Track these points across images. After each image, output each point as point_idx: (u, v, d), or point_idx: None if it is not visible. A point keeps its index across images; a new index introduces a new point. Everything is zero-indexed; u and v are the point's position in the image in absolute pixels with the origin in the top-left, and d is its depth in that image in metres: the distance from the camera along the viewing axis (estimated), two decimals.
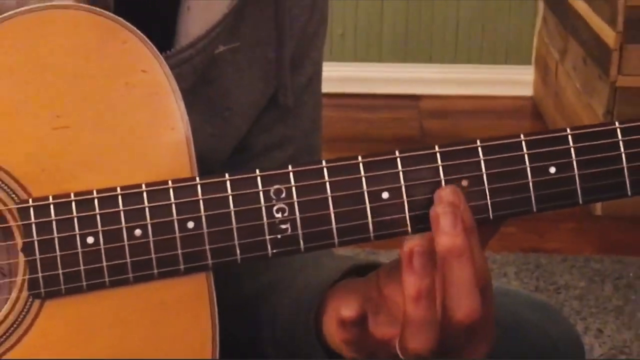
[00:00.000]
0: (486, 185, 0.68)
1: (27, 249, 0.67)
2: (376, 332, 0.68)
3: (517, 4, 3.42)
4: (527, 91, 3.47)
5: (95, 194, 0.67)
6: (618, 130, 0.69)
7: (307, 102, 0.91)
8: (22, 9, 0.68)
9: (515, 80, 3.47)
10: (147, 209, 0.67)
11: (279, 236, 0.68)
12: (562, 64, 3.06)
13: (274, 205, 0.67)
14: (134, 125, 0.69)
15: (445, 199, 0.66)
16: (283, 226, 0.68)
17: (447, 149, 0.68)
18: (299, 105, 0.90)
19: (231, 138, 0.86)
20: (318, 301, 0.74)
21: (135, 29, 0.69)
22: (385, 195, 0.68)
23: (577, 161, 0.68)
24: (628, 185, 0.69)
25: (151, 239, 0.67)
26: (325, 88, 0.95)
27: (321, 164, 0.68)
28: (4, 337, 0.68)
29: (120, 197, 0.67)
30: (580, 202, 0.69)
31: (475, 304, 0.65)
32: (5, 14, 0.68)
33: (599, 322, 2.12)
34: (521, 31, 3.45)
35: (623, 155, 0.68)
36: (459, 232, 0.65)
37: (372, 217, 0.68)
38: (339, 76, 3.34)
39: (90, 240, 0.67)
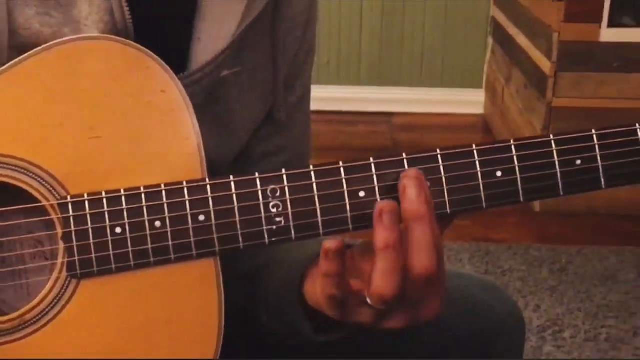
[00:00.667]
0: (445, 185, 0.68)
1: (66, 237, 0.67)
2: (350, 282, 0.67)
3: (471, 39, 3.42)
4: (479, 110, 3.48)
5: (122, 192, 0.67)
6: (552, 142, 0.68)
7: (298, 117, 0.91)
8: (61, 40, 0.68)
9: (469, 101, 3.47)
10: (165, 205, 0.67)
11: (274, 227, 0.67)
12: (508, 87, 3.07)
13: (270, 202, 0.67)
14: (155, 136, 0.68)
15: (413, 175, 0.66)
16: (278, 219, 0.67)
17: (412, 156, 0.68)
18: (291, 120, 0.89)
19: (234, 147, 0.85)
20: (302, 272, 0.74)
21: (155, 56, 0.69)
22: (362, 194, 0.68)
23: (519, 167, 0.68)
24: (560, 186, 0.68)
25: (169, 229, 0.67)
26: (314, 106, 0.95)
27: (309, 168, 0.67)
28: (47, 310, 0.68)
29: (143, 195, 0.67)
30: (522, 200, 0.68)
31: (433, 260, 0.64)
32: (46, 45, 0.68)
33: (537, 300, 2.13)
34: (474, 61, 3.45)
35: (556, 162, 0.68)
36: (422, 201, 0.64)
37: (351, 212, 0.67)
38: (325, 96, 3.34)
39: (118, 230, 0.67)
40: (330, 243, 0.63)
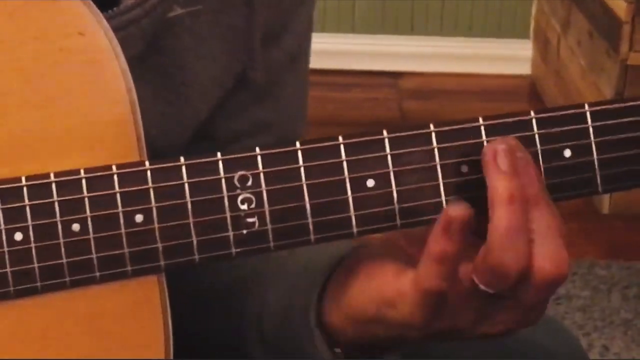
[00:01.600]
0: None
1: None
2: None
3: None
4: (525, 69, 3.51)
5: (24, 182, 0.66)
6: None
7: (290, 83, 0.91)
8: None
9: (510, 57, 3.50)
10: (86, 200, 0.67)
11: (244, 232, 0.68)
12: (565, 38, 3.09)
13: (238, 195, 0.67)
14: (71, 99, 0.68)
15: (502, 141, 0.68)
16: (249, 220, 0.67)
17: (444, 128, 0.68)
18: (279, 87, 0.90)
19: (188, 120, 0.85)
20: (320, 285, 0.74)
21: None
22: (370, 183, 0.68)
23: (595, 143, 0.69)
24: None
25: (92, 235, 0.67)
26: None
27: (294, 145, 0.67)
28: None
29: (54, 185, 0.67)
30: (600, 190, 0.70)
31: (564, 255, 0.67)
32: None
33: (605, 338, 2.15)
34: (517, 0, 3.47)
35: None
36: (533, 176, 0.67)
37: (355, 210, 0.68)
38: None
39: (18, 236, 0.66)
40: (456, 210, 0.65)
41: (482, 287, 0.67)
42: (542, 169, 0.68)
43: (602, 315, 2.22)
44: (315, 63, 3.50)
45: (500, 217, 0.66)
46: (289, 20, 0.89)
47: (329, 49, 3.45)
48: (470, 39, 3.50)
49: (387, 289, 0.70)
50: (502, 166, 0.66)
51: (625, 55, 2.54)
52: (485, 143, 0.68)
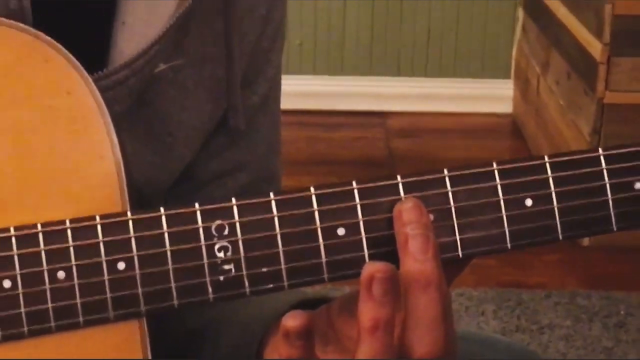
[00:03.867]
0: (455, 219, 0.68)
1: None
2: (323, 357, 0.68)
3: (494, 11, 3.45)
4: (506, 108, 3.51)
5: (12, 232, 0.67)
6: (601, 158, 0.69)
7: (263, 123, 0.92)
8: None
9: (492, 96, 3.51)
10: (71, 249, 0.67)
11: (221, 278, 0.67)
12: (544, 78, 3.09)
13: (215, 243, 0.67)
14: (58, 154, 0.68)
15: (414, 218, 0.66)
16: (226, 267, 0.67)
17: (410, 179, 0.68)
18: (253, 128, 0.90)
19: (174, 166, 0.86)
20: (260, 335, 0.74)
21: (58, 45, 0.69)
22: (341, 231, 0.68)
23: (556, 193, 0.69)
24: (613, 219, 0.69)
25: (76, 282, 0.67)
26: (282, 104, 0.96)
27: (269, 196, 0.68)
28: None
29: (41, 235, 0.67)
30: (560, 237, 0.69)
31: (439, 339, 0.65)
32: None
33: None
34: (499, 41, 3.48)
35: (607, 187, 0.69)
36: (429, 258, 0.65)
37: (327, 257, 0.68)
38: (296, 91, 3.35)
39: (6, 284, 0.67)
40: (292, 320, 0.64)
41: None
42: (504, 217, 0.68)
43: (584, 344, 2.21)
44: (306, 104, 3.53)
45: (363, 342, 0.64)
46: (262, 66, 0.90)
47: (319, 91, 3.46)
48: (454, 80, 3.50)
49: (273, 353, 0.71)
50: (375, 293, 0.63)
51: (601, 94, 2.54)
52: (450, 194, 0.68)
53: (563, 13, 2.89)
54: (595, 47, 2.56)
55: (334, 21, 3.45)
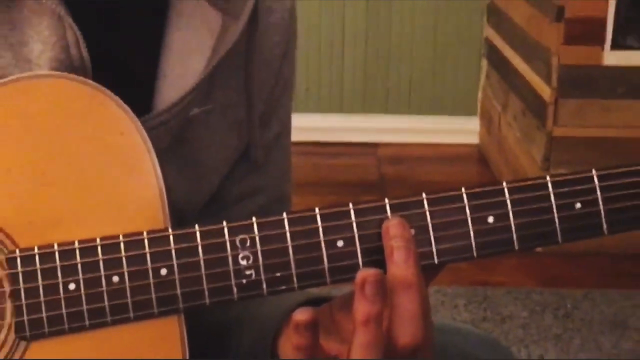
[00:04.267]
0: (431, 233, 0.68)
1: (15, 295, 0.67)
2: (326, 345, 0.67)
3: (463, 62, 3.44)
4: (474, 139, 3.49)
5: (76, 245, 0.67)
6: (549, 184, 0.69)
7: (276, 155, 0.91)
8: (10, 78, 0.68)
9: (462, 130, 3.48)
10: (124, 258, 0.67)
11: (243, 281, 0.68)
12: (504, 115, 3.08)
13: (239, 253, 0.67)
14: (113, 182, 0.69)
15: (399, 233, 0.66)
16: (247, 272, 0.68)
17: (396, 201, 0.68)
18: (269, 158, 0.90)
19: (204, 192, 0.86)
20: (275, 329, 0.74)
21: (114, 95, 0.69)
22: (340, 243, 0.68)
23: (513, 212, 0.68)
24: (559, 233, 0.69)
25: (127, 285, 0.67)
26: (292, 137, 0.95)
27: (282, 216, 0.68)
28: None
29: (99, 247, 0.67)
30: (517, 248, 0.69)
31: (419, 331, 0.65)
32: None
33: (541, 349, 2.13)
34: (467, 86, 3.47)
35: (554, 207, 0.69)
36: (410, 265, 0.65)
37: (329, 264, 0.68)
38: (304, 126, 3.33)
39: (72, 286, 0.67)
40: (301, 315, 0.64)
41: None
42: (471, 232, 0.68)
43: (538, 331, 2.19)
44: (309, 136, 3.49)
45: (358, 334, 0.64)
46: (275, 109, 0.90)
47: (322, 126, 3.45)
48: (432, 116, 3.48)
49: (286, 344, 0.71)
50: (367, 293, 0.64)
51: (550, 128, 2.53)
52: (427, 214, 0.68)
53: (518, 62, 2.89)
54: (545, 91, 2.55)
55: (333, 69, 3.45)
